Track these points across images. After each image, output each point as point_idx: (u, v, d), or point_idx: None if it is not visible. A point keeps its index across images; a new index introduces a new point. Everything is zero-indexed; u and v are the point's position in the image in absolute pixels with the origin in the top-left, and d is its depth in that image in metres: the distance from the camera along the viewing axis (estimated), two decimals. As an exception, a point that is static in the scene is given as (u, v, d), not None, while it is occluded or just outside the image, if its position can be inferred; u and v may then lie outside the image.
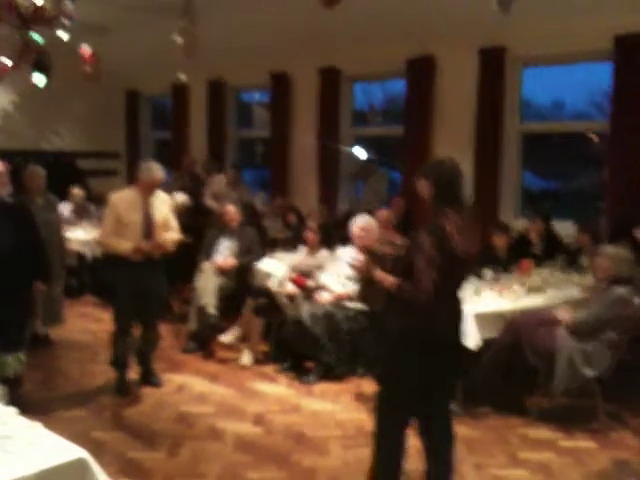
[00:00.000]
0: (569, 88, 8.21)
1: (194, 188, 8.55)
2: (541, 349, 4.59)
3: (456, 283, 3.15)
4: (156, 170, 5.03)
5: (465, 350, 3.48)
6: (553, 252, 6.00)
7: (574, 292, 5.28)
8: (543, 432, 4.50)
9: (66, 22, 6.47)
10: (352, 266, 3.48)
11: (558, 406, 4.89)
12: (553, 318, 4.74)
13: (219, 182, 8.32)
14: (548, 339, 4.58)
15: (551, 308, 4.92)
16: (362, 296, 3.62)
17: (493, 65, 7.06)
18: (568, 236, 6.34)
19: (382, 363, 3.42)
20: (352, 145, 8.76)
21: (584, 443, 4.35)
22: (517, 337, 4.66)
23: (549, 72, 7.71)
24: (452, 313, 3.09)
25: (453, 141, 7.48)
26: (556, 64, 7.27)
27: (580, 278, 5.57)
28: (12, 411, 2.69)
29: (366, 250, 3.40)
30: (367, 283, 3.32)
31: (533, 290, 5.22)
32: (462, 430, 4.49)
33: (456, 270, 3.08)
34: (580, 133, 7.85)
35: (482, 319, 4.71)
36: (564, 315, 4.71)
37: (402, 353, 3.11)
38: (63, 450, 2.50)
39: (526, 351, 4.62)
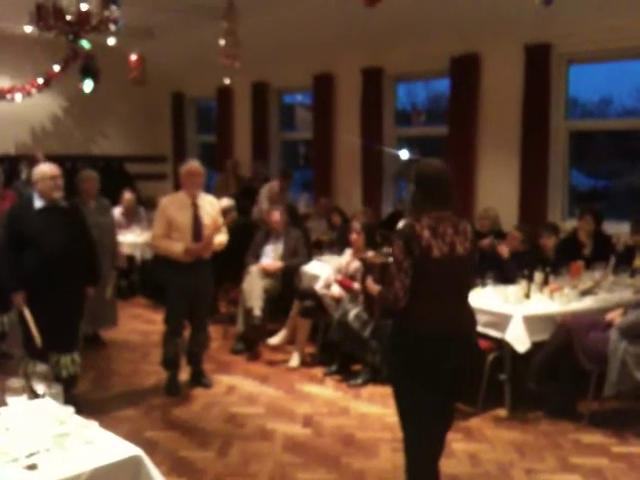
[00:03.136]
0: (617, 85, 8.01)
1: (245, 199, 8.50)
2: (593, 352, 4.51)
3: (444, 285, 2.97)
4: (192, 162, 5.23)
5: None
6: (603, 253, 5.87)
7: (626, 294, 5.17)
8: (596, 437, 4.42)
9: (112, 27, 6.61)
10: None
11: (610, 410, 4.80)
12: (605, 320, 4.66)
13: (271, 191, 8.31)
14: (600, 342, 4.50)
15: (602, 311, 4.84)
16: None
17: (539, 62, 6.92)
18: (620, 236, 6.20)
19: (387, 366, 3.40)
20: (395, 145, 8.71)
21: (638, 449, 4.26)
22: (568, 340, 4.58)
23: (596, 69, 7.54)
24: (442, 315, 2.94)
25: (498, 140, 7.39)
26: (603, 61, 7.09)
27: (632, 280, 5.46)
28: (69, 410, 2.77)
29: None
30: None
31: (584, 293, 5.13)
32: (512, 434, 4.47)
33: (439, 272, 2.93)
34: (629, 130, 7.65)
35: (532, 322, 4.66)
36: (616, 317, 4.63)
37: (395, 356, 3.07)
38: (119, 448, 2.58)
39: (578, 354, 4.54)
